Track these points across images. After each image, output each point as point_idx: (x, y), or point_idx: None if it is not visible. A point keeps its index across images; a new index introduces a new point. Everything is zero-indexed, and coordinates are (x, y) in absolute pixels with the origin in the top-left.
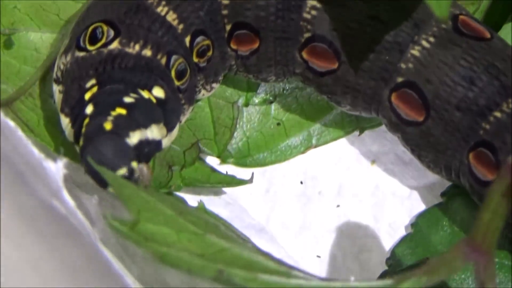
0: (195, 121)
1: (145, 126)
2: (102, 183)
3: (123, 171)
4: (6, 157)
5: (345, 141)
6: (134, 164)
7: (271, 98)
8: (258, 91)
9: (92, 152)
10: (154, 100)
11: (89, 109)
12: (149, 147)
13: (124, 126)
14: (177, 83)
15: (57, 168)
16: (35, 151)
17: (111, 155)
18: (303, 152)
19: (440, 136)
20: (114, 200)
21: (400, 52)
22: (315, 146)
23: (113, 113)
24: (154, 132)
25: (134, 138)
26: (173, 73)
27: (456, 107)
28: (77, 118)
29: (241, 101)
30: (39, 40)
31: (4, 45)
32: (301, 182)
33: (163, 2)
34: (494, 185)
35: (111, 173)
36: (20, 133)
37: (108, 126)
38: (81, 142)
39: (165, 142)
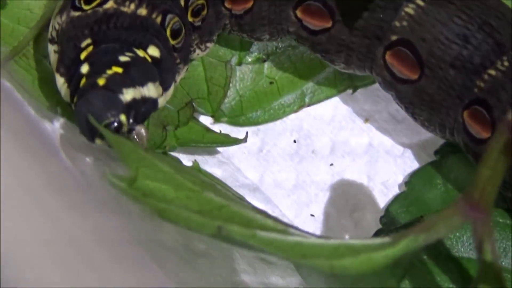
0: (189, 80)
1: (141, 84)
2: (90, 136)
3: (110, 121)
4: (5, 118)
5: (338, 100)
6: (122, 117)
7: (264, 56)
8: (251, 50)
9: (82, 104)
10: (149, 59)
11: (84, 69)
12: (145, 105)
13: (118, 83)
14: (172, 42)
15: (53, 128)
16: (32, 112)
17: (99, 106)
18: (296, 111)
19: (435, 94)
20: (109, 160)
21: (395, 10)
22: (308, 105)
23: (109, 72)
24: (150, 90)
25: (127, 95)
26: (168, 32)
27: (450, 65)
28: (72, 77)
29: (234, 60)
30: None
31: None
32: (295, 141)
33: None
34: (492, 142)
35: (108, 131)
36: (16, 94)
37: (101, 82)
38: (75, 99)
39: (161, 101)
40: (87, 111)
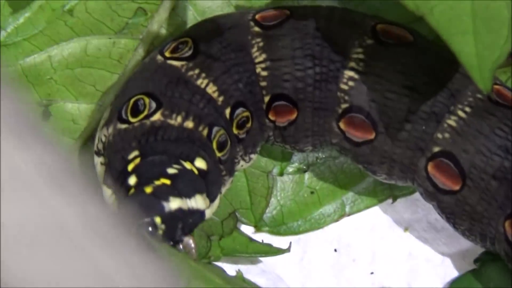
0: (232, 190)
1: (189, 196)
2: None
3: (145, 224)
4: None
5: (378, 209)
6: (157, 219)
7: (304, 167)
8: (292, 160)
9: (122, 206)
10: (196, 172)
11: (132, 180)
12: (192, 217)
13: (165, 191)
14: (218, 154)
15: None
16: None
17: (137, 208)
18: (336, 220)
19: (476, 205)
20: None
21: (437, 122)
22: (349, 214)
23: (157, 182)
24: (198, 202)
25: (173, 203)
26: (214, 145)
27: (492, 176)
28: (120, 189)
29: (275, 170)
30: (76, 111)
31: (42, 116)
32: (335, 250)
33: (203, 75)
34: None
35: (162, 244)
36: None
37: (148, 190)
38: None
39: (208, 213)
40: (125, 213)
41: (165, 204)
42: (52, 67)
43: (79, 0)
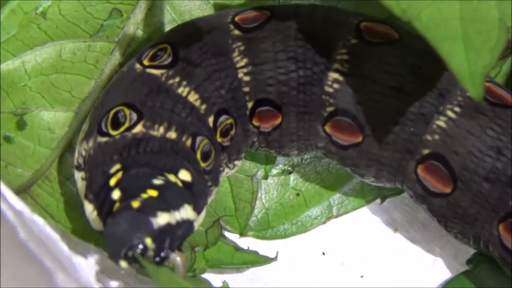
0: (215, 197)
1: (177, 207)
2: (115, 257)
3: (133, 243)
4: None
5: (367, 210)
6: (148, 240)
7: (289, 168)
8: (276, 162)
9: (110, 226)
10: (180, 184)
11: (116, 195)
12: (181, 229)
13: (153, 205)
14: (202, 164)
15: (88, 264)
16: (65, 248)
17: (125, 227)
18: (324, 223)
19: (468, 208)
20: (137, 284)
21: (426, 124)
22: (336, 216)
23: (144, 195)
24: (187, 212)
25: (161, 218)
26: (198, 155)
27: (484, 178)
28: (103, 204)
29: (260, 173)
30: (52, 119)
31: (17, 126)
32: (323, 253)
33: (184, 83)
34: None
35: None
36: (48, 229)
37: (135, 204)
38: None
39: (195, 225)
40: (113, 233)
41: (153, 220)
42: (26, 73)
43: (52, 1)
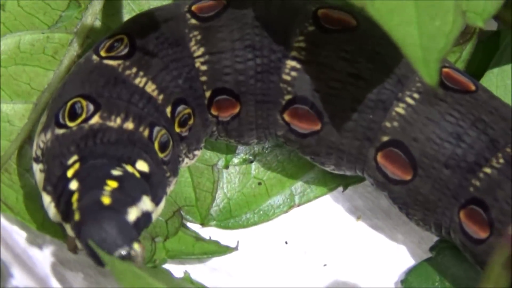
0: (176, 187)
1: (138, 199)
2: (99, 261)
3: (124, 251)
4: None
5: (329, 198)
6: (135, 245)
7: (251, 157)
8: (237, 152)
9: (94, 229)
10: (138, 175)
11: (73, 185)
12: (141, 220)
13: (121, 201)
14: (160, 155)
15: (44, 256)
16: (20, 241)
17: (115, 234)
18: (286, 211)
19: (429, 195)
20: (99, 277)
21: (384, 110)
22: (299, 205)
23: (107, 188)
24: (146, 202)
25: (132, 214)
26: (156, 145)
27: (444, 165)
28: (61, 195)
29: (220, 163)
30: (11, 111)
31: None
32: (286, 242)
33: (141, 73)
34: (494, 256)
35: (103, 252)
36: (3, 221)
37: (106, 200)
38: (76, 217)
39: (153, 216)
40: (101, 240)
41: (127, 218)
42: None
43: None
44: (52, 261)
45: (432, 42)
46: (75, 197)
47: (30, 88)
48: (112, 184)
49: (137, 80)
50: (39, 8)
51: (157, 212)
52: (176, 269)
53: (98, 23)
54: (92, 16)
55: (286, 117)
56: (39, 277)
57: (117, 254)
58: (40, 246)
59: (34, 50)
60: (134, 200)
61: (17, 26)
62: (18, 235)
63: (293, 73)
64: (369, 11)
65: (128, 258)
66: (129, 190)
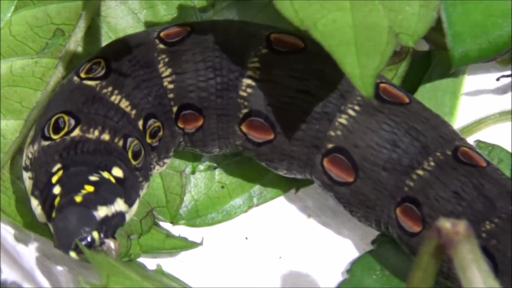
0: (149, 190)
1: (111, 201)
2: (66, 249)
3: (82, 238)
4: None
5: (283, 199)
6: (95, 234)
7: (214, 164)
8: (202, 159)
9: (60, 219)
10: (113, 180)
11: (56, 190)
12: (115, 219)
13: (93, 200)
14: (134, 162)
15: (29, 251)
16: (9, 238)
17: (74, 223)
18: (246, 211)
19: (369, 194)
20: (82, 269)
21: (329, 121)
22: (257, 205)
23: (83, 191)
24: (119, 205)
25: (101, 211)
26: (129, 154)
27: (382, 168)
28: (46, 199)
29: (188, 169)
30: (4, 127)
31: None
32: (246, 238)
33: (116, 92)
34: (424, 246)
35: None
36: None
37: (78, 199)
38: (53, 215)
39: (127, 216)
40: (64, 227)
41: (95, 213)
42: None
43: (4, 23)
44: (38, 256)
45: (368, 60)
46: (57, 200)
47: (21, 106)
48: (89, 188)
49: (112, 98)
50: (28, 36)
51: (131, 212)
52: (150, 262)
53: (80, 49)
54: (75, 43)
55: (244, 128)
56: (25, 270)
57: (78, 242)
58: (26, 243)
59: (24, 73)
60: (106, 201)
61: (9, 53)
62: (8, 233)
63: (249, 90)
64: (312, 33)
65: (89, 246)
66: (104, 193)
